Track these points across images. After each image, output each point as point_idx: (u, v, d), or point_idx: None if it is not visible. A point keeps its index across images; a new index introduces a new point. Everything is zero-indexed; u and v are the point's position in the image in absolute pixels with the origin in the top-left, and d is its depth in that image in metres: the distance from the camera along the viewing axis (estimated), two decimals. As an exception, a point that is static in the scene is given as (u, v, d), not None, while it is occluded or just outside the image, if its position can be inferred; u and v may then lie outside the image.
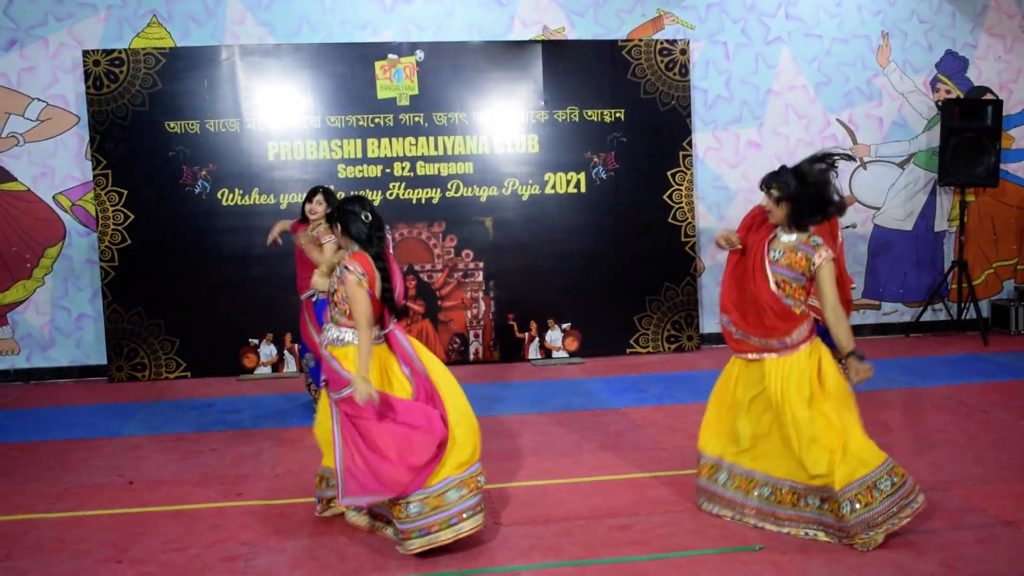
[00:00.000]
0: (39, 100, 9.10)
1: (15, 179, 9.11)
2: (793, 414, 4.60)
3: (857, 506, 4.45)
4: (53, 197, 9.19)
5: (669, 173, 9.64)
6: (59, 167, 9.17)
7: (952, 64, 10.33)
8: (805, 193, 4.63)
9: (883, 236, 10.40)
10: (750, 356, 4.85)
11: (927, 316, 10.47)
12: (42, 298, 9.26)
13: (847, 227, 10.03)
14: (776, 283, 4.68)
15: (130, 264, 9.05)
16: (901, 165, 10.34)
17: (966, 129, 9.81)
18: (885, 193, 10.34)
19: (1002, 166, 10.19)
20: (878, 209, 10.35)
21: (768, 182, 4.73)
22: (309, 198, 7.02)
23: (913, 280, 10.50)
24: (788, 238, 4.72)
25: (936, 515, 4.95)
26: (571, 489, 5.59)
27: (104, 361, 9.24)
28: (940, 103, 10.14)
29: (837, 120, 10.17)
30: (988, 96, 10.32)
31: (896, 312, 10.53)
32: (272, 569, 4.53)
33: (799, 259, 4.64)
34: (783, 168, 4.77)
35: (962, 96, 10.29)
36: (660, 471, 5.84)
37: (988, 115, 9.86)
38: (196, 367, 9.23)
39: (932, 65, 10.31)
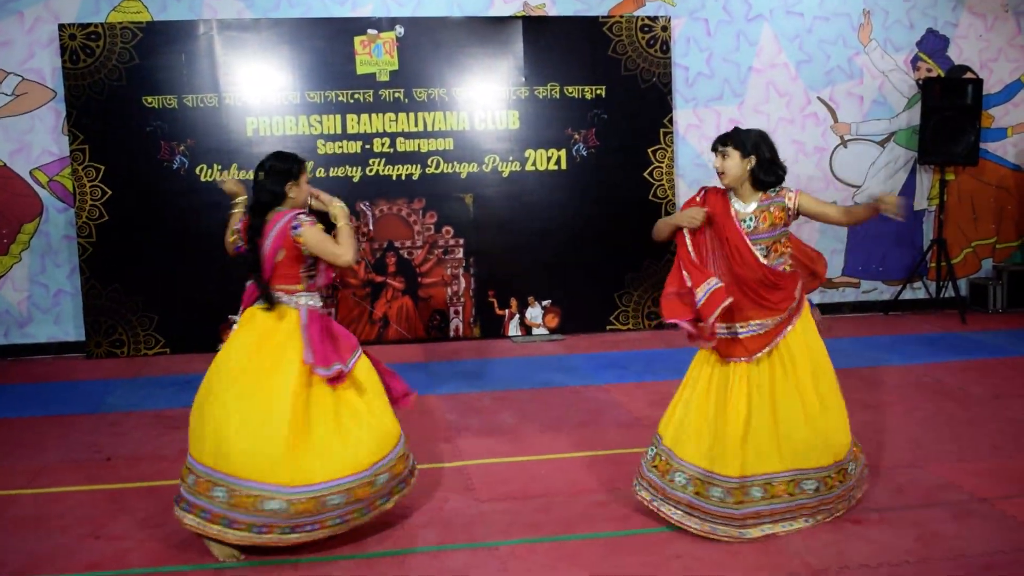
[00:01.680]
0: (14, 74, 9.01)
1: (-8, 154, 9.05)
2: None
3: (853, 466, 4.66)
4: (30, 172, 9.11)
5: (650, 150, 9.64)
6: (35, 142, 9.09)
7: (933, 43, 10.35)
8: (764, 148, 4.52)
9: (863, 214, 10.42)
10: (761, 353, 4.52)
11: (906, 294, 10.53)
12: (19, 274, 9.20)
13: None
14: (765, 252, 4.51)
15: (108, 240, 8.99)
16: (881, 144, 10.37)
17: (946, 108, 9.84)
18: (865, 171, 10.37)
19: (982, 145, 10.21)
20: (858, 187, 10.38)
21: (723, 140, 4.55)
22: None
23: (892, 259, 10.55)
24: (750, 205, 4.55)
25: (912, 491, 5.00)
26: (551, 465, 5.62)
27: (82, 337, 9.20)
28: (921, 82, 10.16)
29: (818, 98, 10.18)
30: (968, 75, 10.33)
31: (875, 290, 10.59)
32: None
33: (775, 214, 4.51)
34: (735, 129, 4.61)
35: (943, 75, 10.31)
36: (639, 447, 5.85)
37: (968, 94, 9.88)
38: (175, 343, 9.20)
39: (913, 44, 10.31)
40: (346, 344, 4.61)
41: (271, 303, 4.55)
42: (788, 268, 4.60)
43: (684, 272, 4.60)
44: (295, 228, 4.45)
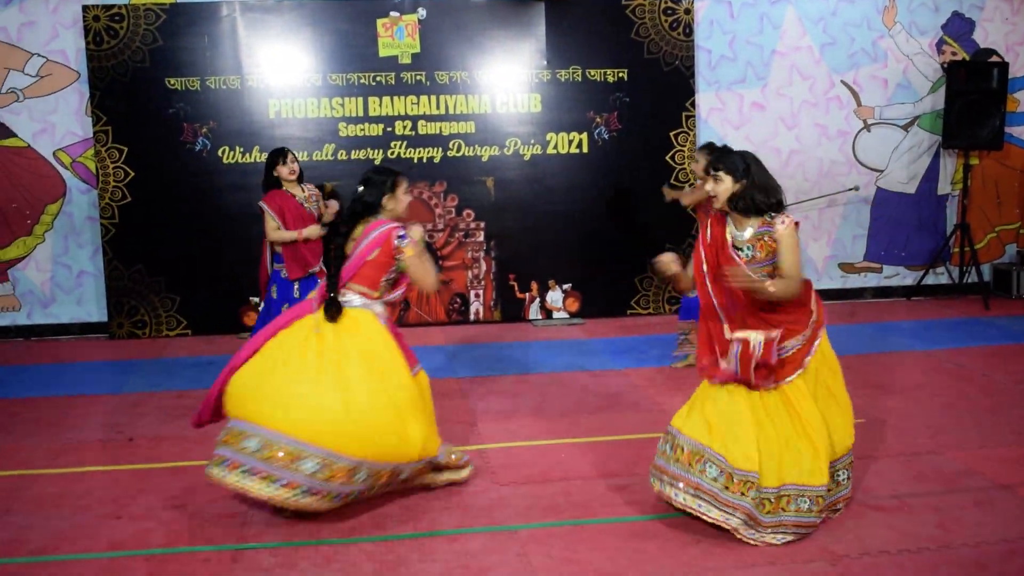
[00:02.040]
0: (39, 56, 9.04)
1: (15, 135, 9.07)
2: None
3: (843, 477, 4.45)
4: (53, 154, 9.15)
5: (672, 134, 9.59)
6: (59, 123, 9.12)
7: (958, 26, 10.24)
8: (756, 174, 4.31)
9: (886, 199, 10.35)
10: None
11: (929, 279, 10.44)
12: (43, 255, 9.25)
13: (851, 189, 9.99)
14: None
15: (131, 221, 9.02)
16: (905, 128, 10.28)
17: (971, 91, 9.75)
18: (889, 156, 10.28)
19: (1007, 129, 10.12)
20: (881, 172, 10.29)
21: (715, 165, 4.35)
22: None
23: (915, 243, 10.47)
24: (746, 231, 4.33)
25: (933, 478, 4.96)
26: (570, 449, 5.60)
27: (105, 318, 9.24)
28: (945, 65, 10.05)
29: (842, 82, 10.09)
30: (994, 59, 10.22)
31: (897, 275, 10.51)
32: (271, 525, 4.55)
33: (768, 243, 4.27)
34: (725, 148, 4.45)
35: (968, 58, 10.21)
36: (659, 432, 5.84)
37: (994, 78, 9.78)
38: (196, 325, 9.23)
39: (938, 27, 10.21)
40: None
41: (337, 311, 4.65)
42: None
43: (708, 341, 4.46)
44: (402, 238, 4.70)
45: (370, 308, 4.76)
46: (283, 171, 6.82)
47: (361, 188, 4.86)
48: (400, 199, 4.90)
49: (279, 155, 6.86)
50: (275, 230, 6.71)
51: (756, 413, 4.24)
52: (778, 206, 4.34)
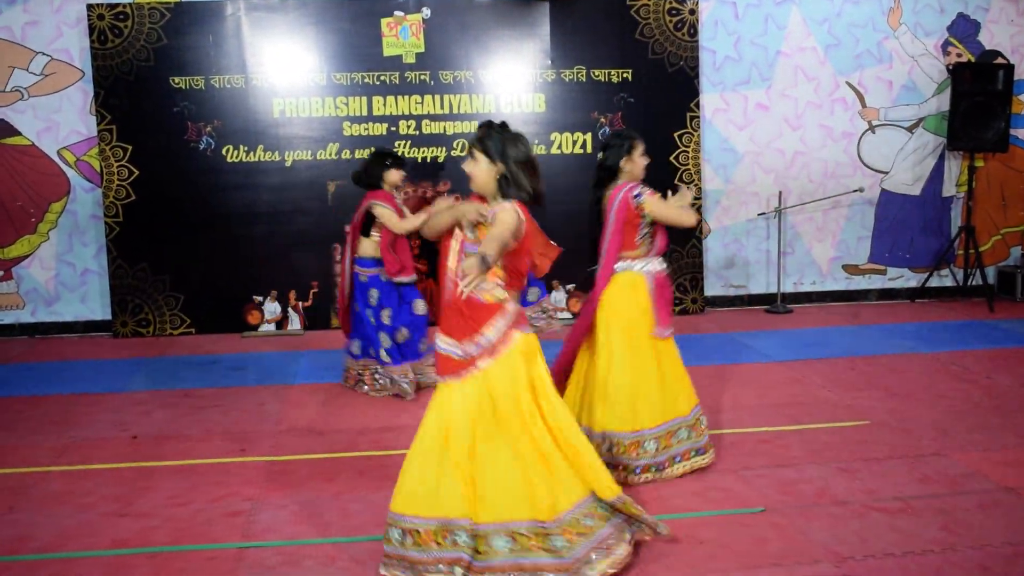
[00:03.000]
0: (43, 54, 9.05)
1: (19, 133, 9.09)
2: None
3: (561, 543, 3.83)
4: (58, 152, 9.16)
5: (676, 134, 9.59)
6: (64, 122, 9.14)
7: (964, 27, 10.24)
8: (513, 162, 3.95)
9: (891, 200, 10.35)
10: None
11: (933, 282, 10.45)
12: (47, 253, 9.26)
13: (855, 191, 10.00)
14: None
15: (135, 220, 9.04)
16: (910, 129, 10.27)
17: (976, 93, 9.74)
18: (893, 157, 10.28)
19: (1012, 131, 10.13)
20: (886, 173, 10.29)
21: (473, 142, 4.02)
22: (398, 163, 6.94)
23: (920, 245, 10.47)
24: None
25: (937, 480, 4.96)
26: (574, 449, 5.60)
27: (109, 316, 9.26)
28: (951, 67, 10.06)
29: (846, 83, 10.09)
30: (999, 60, 10.22)
31: (902, 277, 10.51)
32: (275, 525, 4.56)
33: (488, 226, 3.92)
34: (494, 128, 4.04)
35: (973, 60, 10.20)
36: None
37: (999, 79, 9.78)
38: (200, 323, 9.24)
39: (944, 28, 10.21)
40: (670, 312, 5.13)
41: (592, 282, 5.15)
42: (494, 299, 3.93)
43: None
44: (637, 196, 4.95)
45: (631, 268, 5.08)
46: (396, 176, 6.86)
47: (601, 154, 5.13)
48: (636, 161, 5.09)
49: (396, 160, 6.89)
50: (399, 223, 6.74)
51: None
52: (519, 195, 3.98)
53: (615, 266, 5.09)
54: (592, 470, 3.94)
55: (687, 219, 5.06)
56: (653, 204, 4.94)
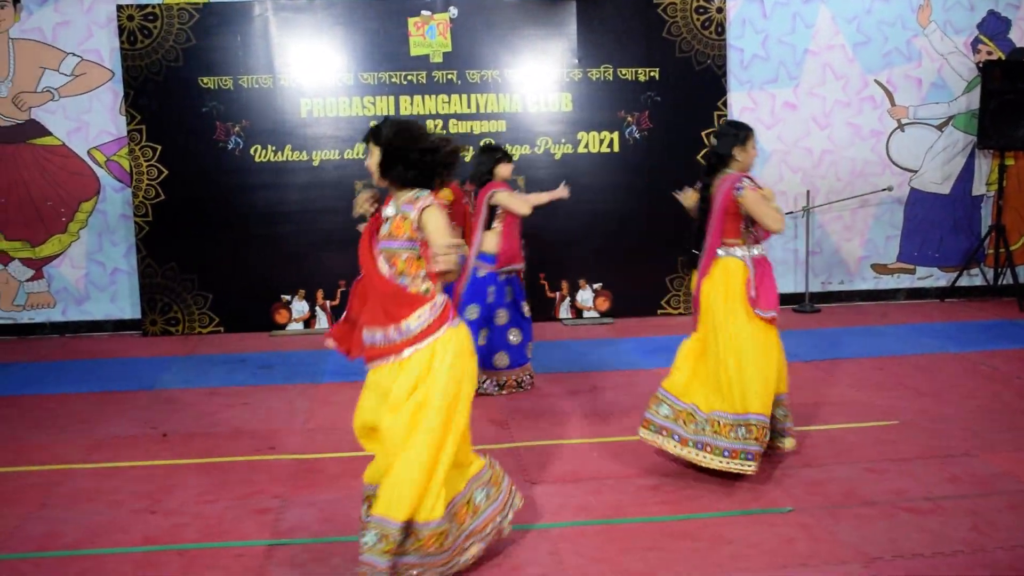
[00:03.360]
0: (73, 55, 9.13)
1: (50, 134, 9.17)
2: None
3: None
4: (88, 152, 9.23)
5: (703, 133, 9.56)
6: (94, 122, 9.21)
7: (994, 25, 10.14)
8: (395, 141, 3.89)
9: (920, 199, 10.27)
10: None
11: (963, 281, 10.36)
12: (77, 252, 9.34)
13: (884, 189, 9.94)
14: (386, 260, 3.94)
15: (164, 219, 9.10)
16: (939, 127, 10.19)
17: (1007, 91, 9.65)
18: (923, 156, 10.20)
19: (1043, 129, 10.04)
20: (915, 172, 10.22)
21: (366, 137, 4.01)
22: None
23: (949, 244, 10.38)
24: (390, 208, 3.96)
25: (967, 481, 4.93)
26: (601, 448, 5.62)
27: (138, 315, 9.33)
28: (981, 64, 9.97)
29: (875, 81, 10.02)
30: (1030, 58, 10.14)
31: (931, 277, 10.43)
32: (303, 522, 4.58)
33: (400, 222, 3.88)
34: (388, 120, 4.00)
35: (1003, 58, 10.11)
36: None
37: (1030, 77, 9.70)
38: (229, 322, 9.30)
39: (973, 26, 10.12)
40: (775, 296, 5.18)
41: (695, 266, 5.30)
42: (418, 290, 3.92)
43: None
44: (738, 190, 5.01)
45: (732, 254, 5.15)
46: (507, 170, 6.89)
47: (715, 141, 5.23)
48: (749, 151, 5.18)
49: (505, 154, 6.91)
50: (524, 205, 6.77)
51: None
52: (422, 180, 3.95)
53: (718, 251, 5.17)
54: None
55: (775, 224, 5.06)
56: (750, 200, 5.00)
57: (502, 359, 6.88)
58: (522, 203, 6.77)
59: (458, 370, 3.88)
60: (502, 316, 6.86)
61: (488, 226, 6.83)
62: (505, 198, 6.73)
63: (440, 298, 3.95)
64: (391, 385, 3.87)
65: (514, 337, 6.93)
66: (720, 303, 5.12)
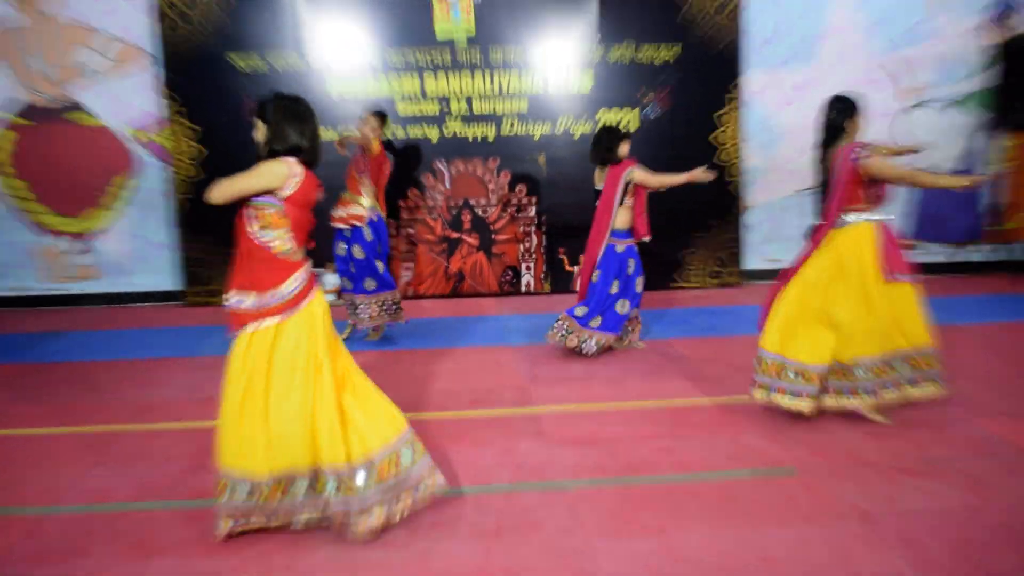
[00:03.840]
0: (116, 39, 9.25)
1: (94, 114, 9.31)
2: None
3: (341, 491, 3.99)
4: (129, 131, 9.37)
5: (718, 113, 9.61)
6: (134, 103, 9.35)
7: (1004, 7, 10.10)
8: (273, 117, 4.08)
9: (926, 176, 10.26)
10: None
11: (965, 256, 10.39)
12: (121, 227, 9.51)
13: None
14: (255, 215, 4.05)
15: (202, 196, 9.22)
16: (948, 108, 10.20)
17: (1018, 72, 9.63)
18: (932, 134, 10.19)
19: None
20: (923, 151, 10.19)
21: (253, 112, 4.16)
22: None
23: (953, 221, 10.40)
24: None
25: (963, 445, 5.00)
26: (616, 413, 5.71)
27: (180, 287, 9.49)
28: (991, 47, 9.95)
29: (886, 62, 10.02)
30: (1038, 38, 10.11)
31: (934, 252, 10.46)
32: (338, 480, 4.71)
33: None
34: (274, 96, 4.16)
35: (1013, 40, 10.08)
36: (701, 397, 5.94)
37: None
38: (264, 293, 9.43)
39: (984, 8, 10.10)
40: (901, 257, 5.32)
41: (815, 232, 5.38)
42: (285, 253, 4.03)
43: None
44: (855, 160, 5.16)
45: (861, 219, 5.29)
46: (626, 147, 7.06)
47: (827, 115, 5.36)
48: (857, 123, 5.34)
49: (626, 135, 7.05)
50: (658, 180, 7.01)
51: None
52: (290, 151, 4.08)
53: (847, 218, 5.30)
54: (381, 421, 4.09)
55: (924, 178, 5.26)
56: (875, 165, 5.13)
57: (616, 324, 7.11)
58: (659, 180, 6.98)
59: (323, 327, 4.04)
60: (639, 285, 7.14)
61: (621, 202, 7.00)
62: (643, 175, 6.94)
63: (309, 265, 4.09)
64: (267, 349, 3.96)
65: (621, 307, 7.11)
66: (849, 265, 5.26)
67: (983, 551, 3.83)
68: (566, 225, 9.62)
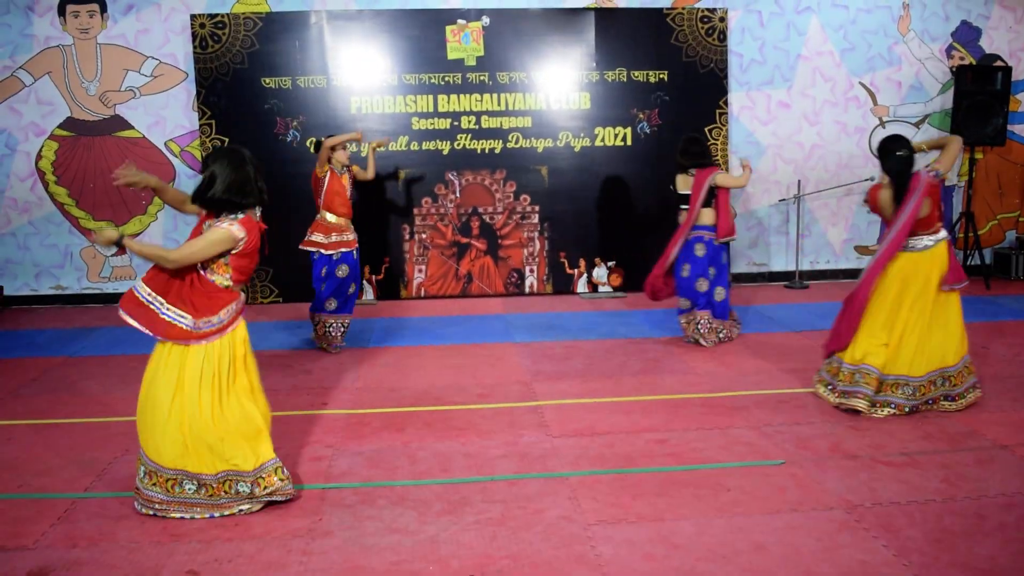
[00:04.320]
0: (152, 58, 9.14)
1: (132, 127, 9.21)
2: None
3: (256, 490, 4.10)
4: (164, 143, 9.27)
5: (707, 129, 9.48)
6: (170, 117, 9.23)
7: (966, 33, 9.99)
8: (218, 171, 4.05)
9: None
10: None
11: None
12: (155, 231, 9.39)
13: (867, 179, 9.83)
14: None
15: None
16: (917, 125, 10.06)
17: (977, 93, 9.49)
18: (901, 150, 10.07)
19: (1009, 127, 9.88)
20: (894, 164, 10.08)
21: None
22: None
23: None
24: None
25: (939, 438, 4.90)
26: (614, 407, 5.60)
27: (208, 287, 9.37)
28: (954, 69, 9.82)
29: (859, 83, 9.90)
30: (998, 63, 9.97)
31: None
32: (352, 469, 4.61)
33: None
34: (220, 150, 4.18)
35: (975, 63, 9.95)
36: (693, 393, 5.83)
37: (998, 80, 9.51)
38: (287, 293, 9.33)
39: (948, 34, 9.96)
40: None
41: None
42: (224, 285, 4.13)
43: None
44: (936, 176, 5.31)
45: (939, 238, 5.37)
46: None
47: (899, 153, 5.34)
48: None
49: (705, 138, 7.16)
50: (740, 181, 7.07)
51: None
52: (238, 207, 4.08)
53: (926, 240, 5.36)
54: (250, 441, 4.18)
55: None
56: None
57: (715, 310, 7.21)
58: (736, 182, 7.06)
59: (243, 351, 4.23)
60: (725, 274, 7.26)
61: (708, 203, 7.01)
62: (728, 179, 7.04)
63: (243, 297, 4.20)
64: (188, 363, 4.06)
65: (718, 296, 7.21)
66: (932, 282, 5.31)
67: (959, 538, 3.73)
68: (567, 231, 9.50)
